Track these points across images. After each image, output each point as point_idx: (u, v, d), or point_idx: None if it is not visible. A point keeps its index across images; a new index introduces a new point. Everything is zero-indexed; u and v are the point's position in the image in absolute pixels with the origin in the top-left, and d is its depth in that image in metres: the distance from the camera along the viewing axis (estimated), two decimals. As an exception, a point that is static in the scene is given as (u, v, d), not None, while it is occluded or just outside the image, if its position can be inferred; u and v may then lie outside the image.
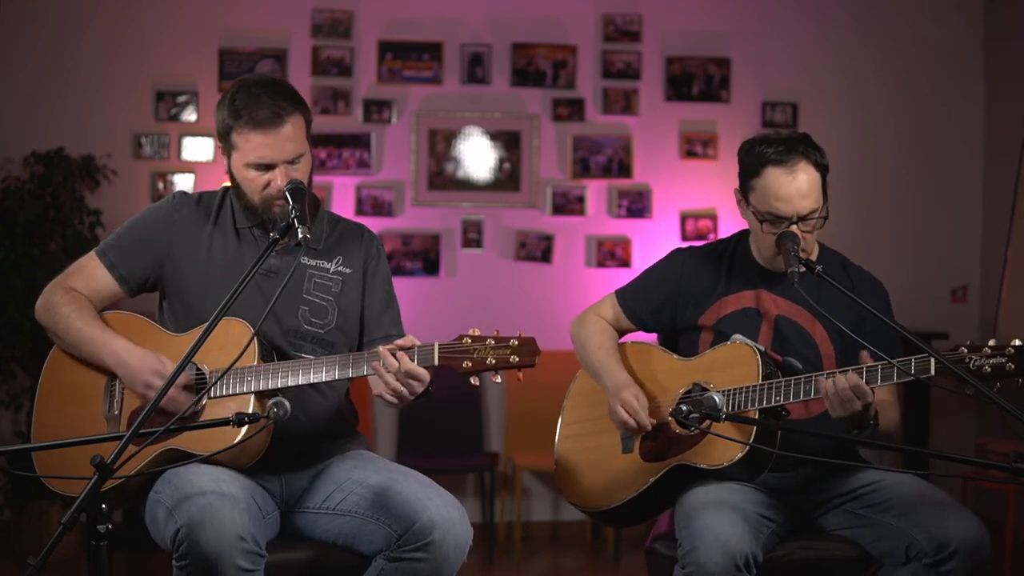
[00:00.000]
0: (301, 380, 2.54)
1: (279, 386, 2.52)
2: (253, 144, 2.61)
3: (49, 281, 2.76)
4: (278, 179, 2.62)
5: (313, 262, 2.76)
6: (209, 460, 2.48)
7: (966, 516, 2.62)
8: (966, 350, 2.43)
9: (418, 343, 2.51)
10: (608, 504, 2.89)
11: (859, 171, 6.04)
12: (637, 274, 3.13)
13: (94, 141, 5.55)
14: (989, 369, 2.38)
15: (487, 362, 2.48)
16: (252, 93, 2.62)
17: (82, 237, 5.24)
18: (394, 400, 2.52)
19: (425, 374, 2.49)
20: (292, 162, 2.64)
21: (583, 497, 2.96)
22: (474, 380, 2.51)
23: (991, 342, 2.41)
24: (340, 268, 2.79)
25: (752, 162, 2.86)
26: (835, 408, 2.61)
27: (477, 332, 2.51)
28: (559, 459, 3.04)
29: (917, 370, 2.47)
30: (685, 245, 3.15)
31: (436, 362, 2.49)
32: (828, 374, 2.62)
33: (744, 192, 2.89)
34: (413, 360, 2.49)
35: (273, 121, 2.61)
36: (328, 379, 2.56)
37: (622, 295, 3.10)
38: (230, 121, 2.63)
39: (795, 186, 2.78)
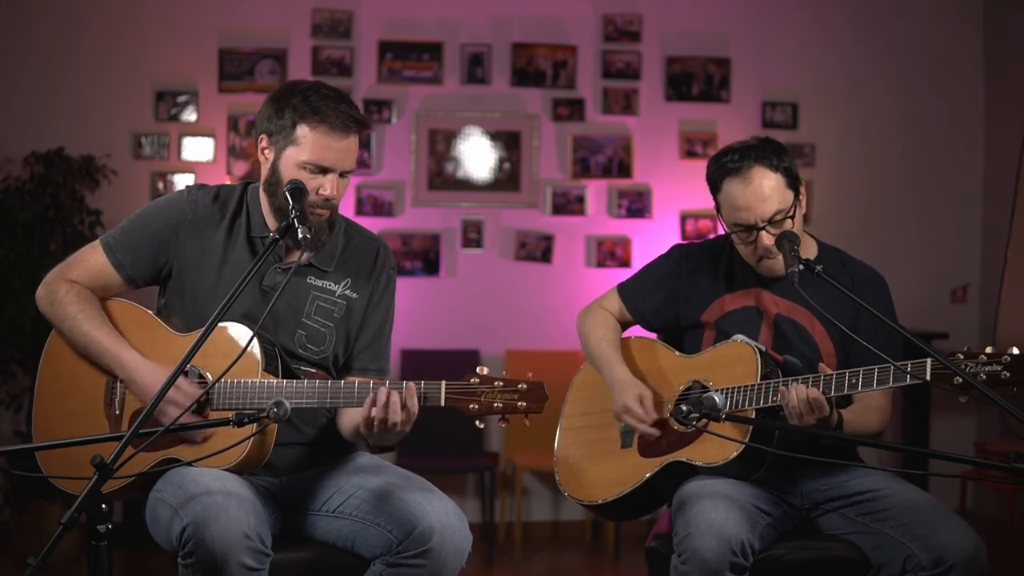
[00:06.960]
0: (316, 405, 2.54)
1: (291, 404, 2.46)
2: (319, 144, 2.57)
3: None
4: (326, 186, 2.58)
5: (320, 282, 2.71)
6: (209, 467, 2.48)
7: (962, 528, 2.62)
8: (962, 356, 2.41)
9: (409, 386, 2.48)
10: (605, 497, 2.90)
11: (859, 171, 6.04)
12: (638, 269, 3.14)
13: (94, 141, 5.54)
14: (984, 377, 2.37)
15: (494, 406, 2.46)
16: (327, 96, 2.59)
17: (82, 237, 5.23)
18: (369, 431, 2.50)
19: (412, 411, 2.47)
20: (343, 174, 2.62)
21: (581, 490, 2.97)
22: (479, 423, 2.50)
23: (988, 349, 2.39)
24: (346, 292, 2.73)
25: (713, 177, 2.87)
26: (792, 419, 2.62)
27: (486, 371, 2.49)
28: (559, 451, 3.05)
29: (912, 375, 2.47)
30: (684, 242, 3.15)
31: (442, 403, 2.48)
32: (788, 382, 2.63)
33: (717, 208, 2.90)
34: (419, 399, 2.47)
35: (347, 128, 2.58)
36: (346, 406, 2.57)
37: (624, 290, 3.10)
38: (299, 115, 2.57)
39: (752, 193, 2.77)
